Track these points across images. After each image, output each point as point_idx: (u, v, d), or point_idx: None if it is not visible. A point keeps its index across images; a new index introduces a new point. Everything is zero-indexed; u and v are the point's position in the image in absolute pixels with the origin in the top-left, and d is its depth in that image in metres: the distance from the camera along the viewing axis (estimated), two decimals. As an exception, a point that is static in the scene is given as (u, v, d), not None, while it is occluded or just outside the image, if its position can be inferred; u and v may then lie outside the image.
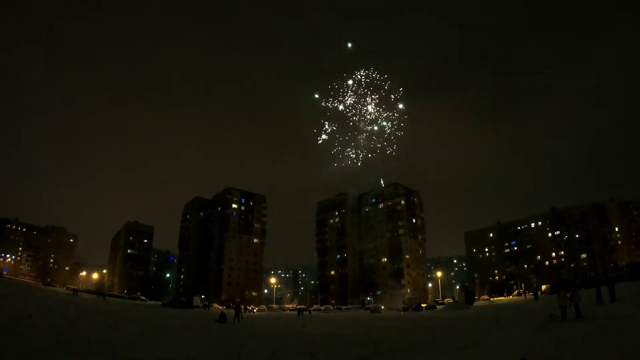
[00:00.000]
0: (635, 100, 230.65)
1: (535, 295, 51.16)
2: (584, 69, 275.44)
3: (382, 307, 64.22)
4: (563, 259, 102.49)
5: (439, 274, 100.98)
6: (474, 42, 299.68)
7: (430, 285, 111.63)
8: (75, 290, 61.06)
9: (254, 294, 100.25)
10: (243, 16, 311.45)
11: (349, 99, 44.18)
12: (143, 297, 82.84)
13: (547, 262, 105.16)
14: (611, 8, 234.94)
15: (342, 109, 45.18)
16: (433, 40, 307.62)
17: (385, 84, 44.61)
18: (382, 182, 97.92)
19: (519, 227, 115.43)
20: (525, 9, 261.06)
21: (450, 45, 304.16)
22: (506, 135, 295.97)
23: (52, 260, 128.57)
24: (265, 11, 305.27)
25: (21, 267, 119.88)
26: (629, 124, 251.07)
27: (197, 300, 64.83)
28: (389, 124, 45.16)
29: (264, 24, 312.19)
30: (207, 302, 68.03)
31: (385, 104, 46.59)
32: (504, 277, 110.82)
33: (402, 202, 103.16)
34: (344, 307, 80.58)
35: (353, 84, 44.48)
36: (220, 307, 61.97)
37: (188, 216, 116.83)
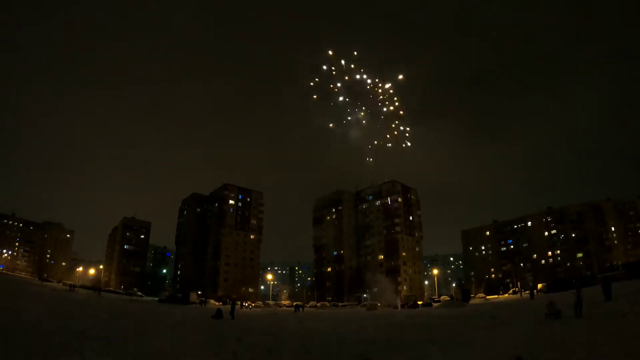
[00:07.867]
0: (631, 100, 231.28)
1: (531, 293, 51.21)
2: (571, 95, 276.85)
3: (379, 304, 64.24)
4: (559, 258, 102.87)
5: (435, 271, 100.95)
6: (468, 70, 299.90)
7: (426, 282, 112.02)
8: (72, 286, 60.66)
9: (250, 290, 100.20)
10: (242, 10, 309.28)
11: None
12: (140, 293, 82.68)
13: (543, 261, 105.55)
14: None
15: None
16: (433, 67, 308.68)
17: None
18: (379, 179, 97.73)
19: (515, 226, 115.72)
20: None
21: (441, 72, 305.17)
22: (503, 140, 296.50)
23: (48, 256, 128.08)
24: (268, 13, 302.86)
25: (18, 262, 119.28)
26: (627, 124, 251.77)
27: (193, 296, 64.59)
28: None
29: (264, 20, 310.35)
30: (203, 298, 67.92)
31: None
32: (500, 275, 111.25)
33: (399, 199, 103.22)
34: (340, 304, 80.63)
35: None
36: (217, 303, 61.96)
37: (185, 212, 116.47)
